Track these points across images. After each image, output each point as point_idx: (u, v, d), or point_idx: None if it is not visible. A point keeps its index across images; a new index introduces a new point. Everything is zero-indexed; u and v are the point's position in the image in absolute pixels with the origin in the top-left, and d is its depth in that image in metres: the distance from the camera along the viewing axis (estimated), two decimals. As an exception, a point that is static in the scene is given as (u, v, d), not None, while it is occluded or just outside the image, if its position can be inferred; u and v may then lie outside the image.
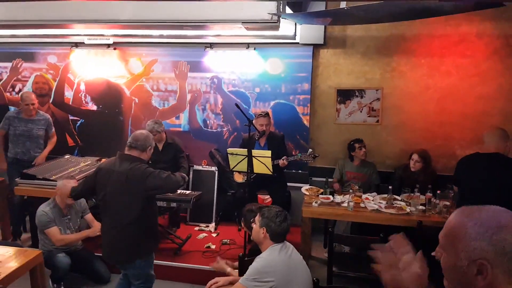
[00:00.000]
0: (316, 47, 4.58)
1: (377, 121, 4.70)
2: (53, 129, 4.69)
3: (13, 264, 2.70)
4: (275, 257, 2.28)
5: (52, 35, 4.34)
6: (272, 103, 4.72)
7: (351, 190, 3.86)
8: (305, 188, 4.23)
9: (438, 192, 3.53)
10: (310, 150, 3.96)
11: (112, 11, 2.70)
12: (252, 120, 3.79)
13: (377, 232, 3.10)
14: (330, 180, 4.31)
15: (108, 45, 4.90)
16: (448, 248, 1.01)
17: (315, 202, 3.84)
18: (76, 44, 5.00)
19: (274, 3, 2.34)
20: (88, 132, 5.29)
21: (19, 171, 4.21)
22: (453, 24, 4.34)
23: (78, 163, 4.55)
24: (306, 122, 4.69)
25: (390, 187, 3.87)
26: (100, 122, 5.23)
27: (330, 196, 3.95)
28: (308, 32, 4.26)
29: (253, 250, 2.75)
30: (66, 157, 4.81)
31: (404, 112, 4.62)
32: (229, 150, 3.83)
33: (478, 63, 4.37)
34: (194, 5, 2.45)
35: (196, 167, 4.93)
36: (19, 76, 5.36)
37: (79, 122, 5.31)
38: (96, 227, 3.47)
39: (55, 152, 5.10)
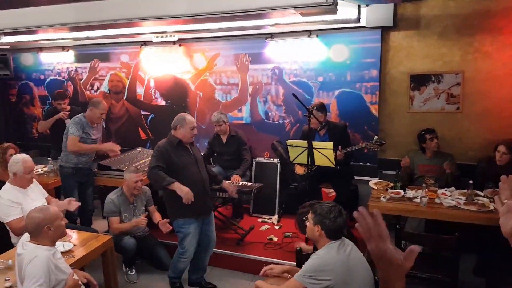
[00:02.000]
0: (385, 30, 4.23)
1: (457, 109, 4.21)
2: None
3: (86, 248, 2.89)
4: (333, 255, 2.12)
5: (123, 35, 4.55)
6: (336, 92, 4.48)
7: (424, 185, 3.51)
8: (373, 181, 3.96)
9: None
10: (376, 137, 3.68)
11: (166, 7, 2.73)
12: (312, 111, 3.61)
13: (454, 231, 2.78)
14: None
15: (174, 42, 5.04)
16: None
17: (384, 197, 3.57)
18: (145, 43, 5.23)
19: None
20: (158, 126, 5.52)
21: (79, 182, 4.12)
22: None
23: (149, 155, 4.76)
24: (374, 112, 4.38)
25: (470, 181, 3.46)
26: (169, 117, 5.35)
27: (401, 191, 3.64)
28: (375, 14, 3.94)
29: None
30: (138, 149, 5.08)
31: (489, 98, 4.08)
32: (289, 142, 3.70)
33: None
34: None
35: (259, 159, 4.89)
36: (97, 75, 5.77)
37: (150, 117, 5.57)
38: (139, 219, 3.58)
39: (128, 144, 5.43)
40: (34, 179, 3.32)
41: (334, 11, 2.37)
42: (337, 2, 2.32)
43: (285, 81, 4.68)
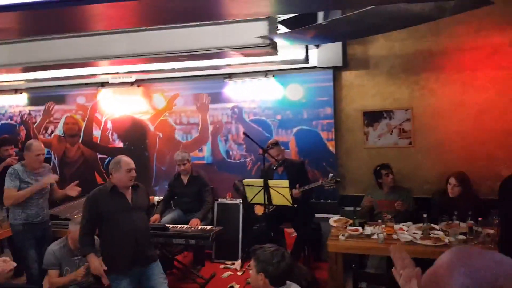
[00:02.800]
0: (337, 69, 4.42)
1: (410, 143, 4.37)
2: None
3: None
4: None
5: (78, 76, 4.46)
6: (294, 129, 4.56)
7: (380, 220, 3.54)
8: (333, 219, 3.94)
9: (480, 219, 3.13)
10: (331, 174, 3.71)
11: (108, 47, 2.73)
12: (267, 149, 3.62)
13: (417, 266, 2.76)
14: (359, 209, 4.00)
15: (132, 83, 5.01)
16: None
17: (342, 235, 3.54)
18: (102, 84, 5.16)
19: (265, 24, 2.22)
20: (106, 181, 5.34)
21: (36, 238, 3.70)
22: (484, 35, 4.03)
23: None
24: (331, 148, 4.46)
25: (424, 215, 3.51)
26: (126, 159, 5.27)
27: (360, 228, 3.63)
28: (326, 54, 4.12)
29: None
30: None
31: (438, 132, 4.27)
32: (245, 181, 3.67)
33: (517, 74, 4.00)
34: (194, 35, 2.40)
35: (221, 200, 4.79)
36: (51, 119, 5.59)
37: (107, 160, 5.39)
38: (77, 272, 3.26)
39: (84, 190, 5.16)
40: None
41: (274, 52, 2.44)
42: (275, 44, 2.39)
43: (245, 120, 4.72)
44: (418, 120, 4.33)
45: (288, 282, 2.14)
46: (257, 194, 3.56)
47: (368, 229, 3.59)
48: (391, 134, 4.42)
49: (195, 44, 2.54)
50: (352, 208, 4.01)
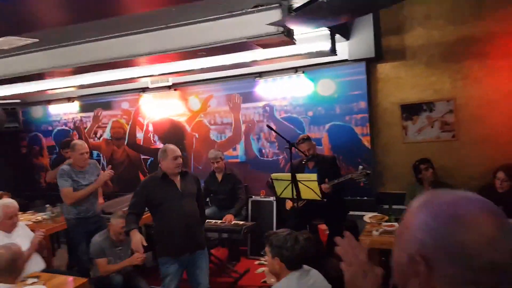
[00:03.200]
0: (370, 62, 4.25)
1: (453, 136, 4.07)
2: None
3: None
4: (293, 286, 1.96)
5: (119, 80, 4.67)
6: (327, 125, 4.44)
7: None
8: (368, 216, 3.77)
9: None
10: (361, 167, 3.55)
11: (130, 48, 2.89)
12: (294, 143, 3.56)
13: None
14: (396, 207, 3.78)
15: (169, 87, 5.21)
16: (396, 239, 0.78)
17: (376, 230, 3.37)
18: (143, 90, 5.42)
19: (278, 12, 2.17)
20: (156, 168, 5.56)
21: (88, 231, 3.81)
22: (534, 15, 3.67)
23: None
24: (366, 143, 4.28)
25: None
26: (166, 160, 5.48)
27: (395, 224, 3.43)
28: (357, 47, 3.98)
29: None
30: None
31: (484, 124, 3.94)
32: (273, 175, 3.63)
33: None
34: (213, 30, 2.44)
35: (255, 197, 4.79)
36: (100, 124, 5.97)
37: (149, 161, 5.64)
38: (133, 257, 3.48)
39: (130, 189, 5.42)
40: (20, 223, 3.34)
41: (291, 41, 2.40)
42: (290, 32, 2.35)
43: (276, 117, 4.70)
44: (462, 111, 4.03)
45: (305, 266, 2.09)
46: (285, 188, 3.51)
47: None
48: (432, 127, 4.15)
49: (210, 38, 2.59)
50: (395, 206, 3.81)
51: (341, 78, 4.32)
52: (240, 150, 4.96)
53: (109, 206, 4.51)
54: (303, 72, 4.44)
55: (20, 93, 5.26)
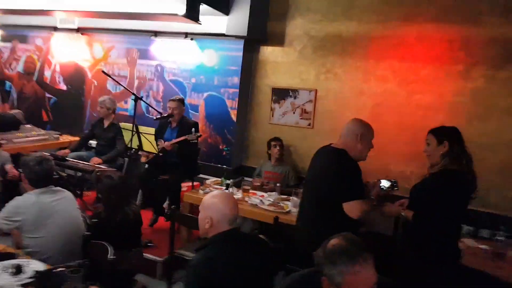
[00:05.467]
0: (255, 42, 4.50)
1: (309, 125, 4.40)
2: None
3: None
4: (31, 199, 2.25)
5: (34, 11, 4.77)
6: (205, 94, 4.71)
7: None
8: (212, 180, 4.11)
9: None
10: (193, 129, 3.85)
11: None
12: (141, 97, 3.83)
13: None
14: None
15: (77, 30, 5.36)
16: None
17: (202, 190, 3.71)
18: (55, 28, 5.56)
19: None
20: (59, 110, 5.77)
21: None
22: (393, 25, 3.96)
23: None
24: (233, 116, 4.57)
25: (278, 184, 3.63)
26: (68, 102, 5.69)
27: (223, 187, 3.76)
28: (234, 24, 4.19)
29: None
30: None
31: (337, 117, 4.25)
32: (122, 124, 3.90)
33: (417, 68, 3.90)
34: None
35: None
36: (15, 56, 6.10)
37: (52, 100, 5.83)
38: None
39: (32, 123, 5.59)
40: None
41: None
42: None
43: (165, 78, 4.94)
44: (320, 102, 4.35)
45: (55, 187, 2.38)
46: (131, 138, 3.78)
47: (233, 191, 3.71)
48: (294, 113, 4.47)
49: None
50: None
51: (223, 51, 4.56)
52: (130, 104, 5.19)
53: None
54: (192, 39, 4.66)
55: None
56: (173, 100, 4.12)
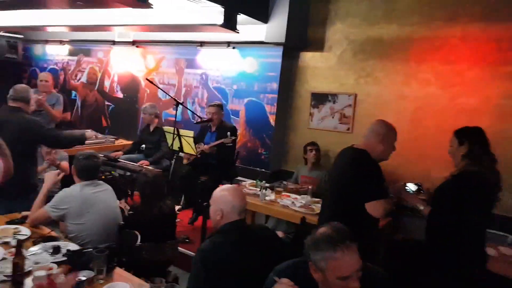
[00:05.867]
0: (296, 49, 4.59)
1: (348, 129, 4.36)
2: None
3: None
4: (76, 190, 2.51)
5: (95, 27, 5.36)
6: (245, 100, 4.87)
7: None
8: (248, 182, 4.23)
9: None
10: (229, 133, 3.98)
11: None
12: (181, 102, 4.07)
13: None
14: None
15: (133, 43, 5.82)
16: None
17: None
18: (114, 42, 6.09)
19: None
20: (116, 115, 6.28)
21: None
22: (436, 25, 3.83)
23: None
24: (272, 121, 4.67)
25: (310, 187, 3.66)
26: (124, 107, 6.18)
27: (258, 188, 3.86)
28: (272, 31, 4.31)
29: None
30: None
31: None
32: (164, 128, 4.16)
33: (461, 70, 3.73)
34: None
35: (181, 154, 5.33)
36: (80, 68, 6.75)
37: (110, 107, 6.36)
38: None
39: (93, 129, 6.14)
40: None
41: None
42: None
43: (209, 86, 5.18)
44: (360, 107, 4.30)
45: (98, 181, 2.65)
46: (173, 140, 4.04)
47: (266, 192, 3.80)
48: (332, 117, 4.46)
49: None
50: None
51: (263, 59, 4.70)
52: (178, 110, 5.49)
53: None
54: (233, 48, 4.86)
55: (20, 26, 6.04)
56: (212, 105, 4.33)
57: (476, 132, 2.27)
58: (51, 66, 7.23)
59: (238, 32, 3.90)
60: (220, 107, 4.43)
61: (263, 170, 4.73)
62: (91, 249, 1.84)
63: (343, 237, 1.33)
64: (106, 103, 6.41)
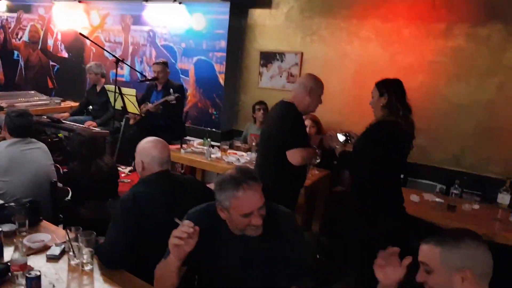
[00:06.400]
0: (244, 6, 4.50)
1: (295, 88, 4.42)
2: None
3: None
4: (1, 147, 2.45)
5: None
6: (195, 59, 4.79)
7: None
8: (196, 142, 4.26)
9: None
10: (171, 90, 3.96)
11: None
12: (122, 59, 3.97)
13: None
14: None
15: (74, -2, 5.50)
16: None
17: (183, 150, 3.87)
18: (55, -3, 5.72)
19: None
20: (62, 76, 6.02)
21: None
22: (377, -17, 3.87)
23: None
24: (221, 81, 4.65)
25: (254, 143, 3.75)
26: (69, 69, 5.92)
27: (205, 147, 3.91)
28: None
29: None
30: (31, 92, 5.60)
31: (322, 81, 4.25)
32: (106, 86, 4.05)
33: (399, 28, 3.82)
34: None
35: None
36: (21, 25, 6.34)
37: (56, 67, 6.07)
38: None
39: (39, 91, 5.87)
40: None
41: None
42: None
43: (157, 44, 5.04)
44: (306, 66, 4.34)
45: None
46: (115, 100, 3.95)
47: (212, 150, 3.85)
48: (280, 77, 4.49)
49: None
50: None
51: (211, 15, 4.60)
52: (126, 70, 5.35)
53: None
54: (180, 3, 4.70)
55: None
56: (157, 63, 4.24)
57: (395, 83, 2.39)
58: (-12, 24, 6.73)
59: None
60: (165, 64, 4.34)
61: (213, 130, 4.76)
62: (12, 204, 1.84)
63: (245, 177, 1.40)
64: (51, 63, 6.11)
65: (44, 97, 5.46)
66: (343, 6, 4.06)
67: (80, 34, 4.16)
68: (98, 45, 4.56)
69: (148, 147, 1.86)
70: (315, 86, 2.51)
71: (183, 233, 1.35)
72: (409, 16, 3.76)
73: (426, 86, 3.74)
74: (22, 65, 6.45)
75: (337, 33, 4.13)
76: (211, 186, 2.65)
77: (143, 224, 1.68)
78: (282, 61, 4.45)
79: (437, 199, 2.80)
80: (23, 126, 2.53)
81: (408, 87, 3.35)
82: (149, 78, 4.31)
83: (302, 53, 4.34)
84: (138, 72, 4.68)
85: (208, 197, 1.79)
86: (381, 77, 3.88)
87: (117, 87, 3.84)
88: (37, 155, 2.53)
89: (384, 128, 2.23)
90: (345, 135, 2.58)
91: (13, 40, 6.48)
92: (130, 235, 1.67)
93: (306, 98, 2.50)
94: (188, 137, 4.63)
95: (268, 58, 4.52)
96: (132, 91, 3.85)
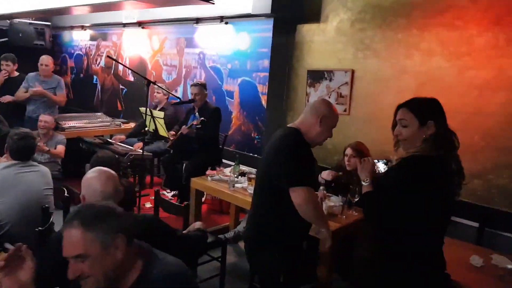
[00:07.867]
0: (290, 22, 4.15)
1: (345, 110, 3.87)
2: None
3: None
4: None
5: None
6: (239, 80, 4.55)
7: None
8: (230, 168, 3.96)
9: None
10: (197, 114, 3.71)
11: None
12: (153, 82, 3.89)
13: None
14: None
15: (139, 25, 5.73)
16: None
17: (210, 177, 3.60)
18: (124, 25, 6.06)
19: None
20: (129, 99, 6.31)
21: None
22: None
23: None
24: (264, 102, 4.31)
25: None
26: (135, 91, 6.18)
27: (233, 175, 3.58)
28: (258, 2, 3.91)
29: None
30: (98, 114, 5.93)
31: (376, 101, 3.66)
32: (141, 108, 4.00)
33: (470, 37, 3.07)
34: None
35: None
36: (99, 52, 6.87)
37: (124, 91, 6.40)
38: None
39: (110, 114, 6.24)
40: None
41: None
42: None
43: (206, 66, 4.93)
44: (358, 85, 3.78)
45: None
46: (149, 122, 3.88)
47: (240, 179, 3.52)
48: (329, 97, 3.98)
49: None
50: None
51: (255, 33, 4.33)
52: (180, 92, 5.35)
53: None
54: (226, 23, 4.53)
55: (43, 9, 6.18)
56: (194, 85, 4.08)
57: (438, 107, 1.76)
58: (77, 52, 7.46)
59: (213, 3, 3.58)
60: (203, 86, 4.16)
61: (256, 155, 4.41)
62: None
63: (75, 216, 1.18)
64: (121, 86, 6.46)
65: (108, 118, 5.73)
66: (400, 14, 3.44)
67: (108, 56, 4.25)
68: (127, 67, 4.89)
69: (89, 178, 1.60)
70: (329, 115, 2.03)
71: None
72: (483, 21, 3.00)
73: (508, 109, 2.89)
74: (99, 89, 6.95)
75: (394, 46, 3.51)
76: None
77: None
78: (330, 80, 3.95)
79: None
80: (24, 149, 2.50)
81: (483, 110, 2.64)
82: (185, 101, 4.16)
83: (353, 71, 3.79)
84: (173, 95, 4.59)
85: (167, 242, 1.48)
86: (448, 97, 3.20)
87: (149, 109, 3.75)
88: (31, 178, 2.47)
89: (430, 165, 1.64)
90: (386, 163, 2.00)
91: (93, 66, 7.04)
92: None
93: (315, 126, 2.02)
94: (228, 162, 4.35)
95: (315, 77, 4.06)
96: (161, 114, 3.73)
